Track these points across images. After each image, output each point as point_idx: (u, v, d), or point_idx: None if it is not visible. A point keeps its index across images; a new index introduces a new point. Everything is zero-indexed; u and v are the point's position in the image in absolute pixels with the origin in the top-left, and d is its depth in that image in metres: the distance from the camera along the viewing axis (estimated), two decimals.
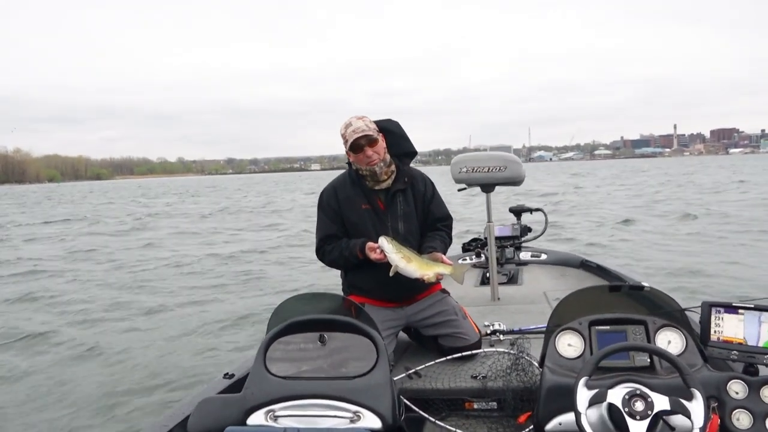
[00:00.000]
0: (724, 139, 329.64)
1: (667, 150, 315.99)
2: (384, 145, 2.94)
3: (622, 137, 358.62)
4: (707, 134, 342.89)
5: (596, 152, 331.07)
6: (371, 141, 2.87)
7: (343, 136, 2.90)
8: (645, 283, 3.22)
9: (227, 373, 2.76)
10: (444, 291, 3.14)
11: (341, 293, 3.17)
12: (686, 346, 2.13)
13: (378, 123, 2.98)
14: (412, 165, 3.16)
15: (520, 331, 3.21)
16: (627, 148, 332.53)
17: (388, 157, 2.97)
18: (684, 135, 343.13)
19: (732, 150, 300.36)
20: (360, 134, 2.84)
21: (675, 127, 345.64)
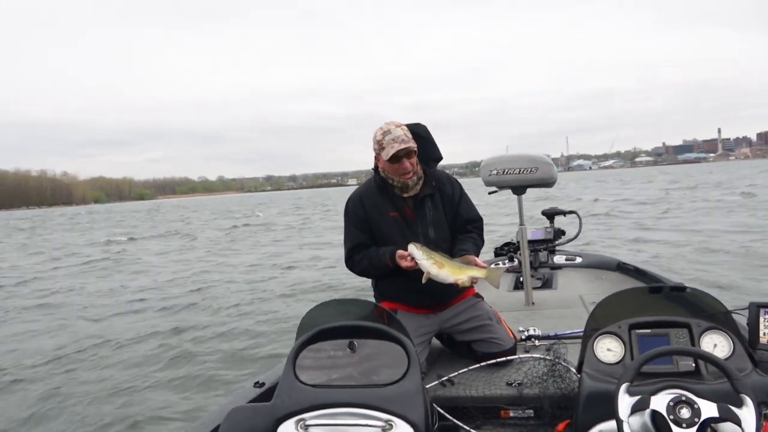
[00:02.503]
0: None
1: (712, 155, 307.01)
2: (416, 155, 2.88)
3: (663, 143, 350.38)
4: (754, 137, 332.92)
5: (637, 159, 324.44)
6: (410, 153, 2.81)
7: (380, 143, 2.82)
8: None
9: (257, 382, 2.75)
10: (477, 295, 3.07)
11: (373, 299, 3.14)
12: (734, 349, 2.02)
13: (408, 127, 2.91)
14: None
15: (556, 336, 3.12)
16: (669, 155, 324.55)
17: (419, 168, 2.92)
18: (729, 139, 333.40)
19: None
20: (402, 146, 2.76)
21: (719, 131, 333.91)
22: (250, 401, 2.54)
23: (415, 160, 2.86)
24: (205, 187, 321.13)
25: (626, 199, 30.48)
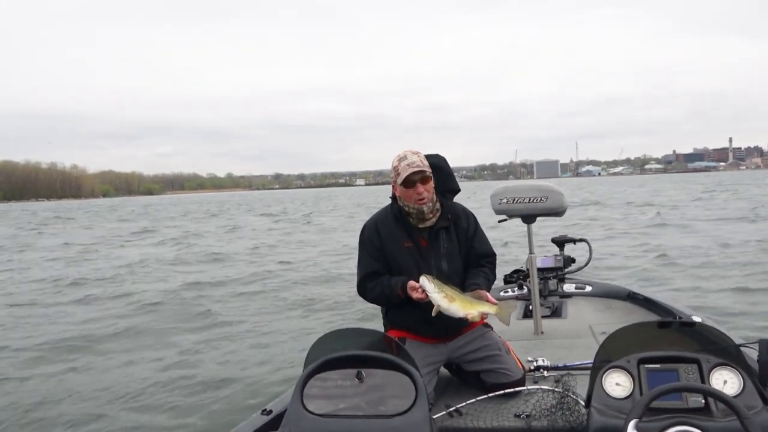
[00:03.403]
0: None
1: (722, 164, 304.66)
2: (433, 184, 2.90)
3: (674, 151, 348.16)
4: (765, 147, 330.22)
5: (647, 167, 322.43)
6: (424, 178, 2.83)
7: (395, 169, 2.86)
8: (697, 318, 3.08)
9: (265, 410, 2.76)
10: (486, 325, 3.07)
11: (382, 327, 3.15)
12: (744, 386, 2.01)
13: (426, 157, 2.94)
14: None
15: (566, 368, 3.11)
16: (679, 162, 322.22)
17: (435, 197, 2.93)
18: (740, 148, 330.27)
19: None
20: (415, 169, 2.80)
21: (730, 140, 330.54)
22: (258, 429, 2.56)
23: (430, 186, 2.88)
24: (213, 184, 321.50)
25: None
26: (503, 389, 2.83)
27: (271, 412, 2.73)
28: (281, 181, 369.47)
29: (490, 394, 2.81)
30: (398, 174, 2.84)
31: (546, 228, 9.33)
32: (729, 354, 2.14)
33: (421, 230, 2.95)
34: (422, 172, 2.82)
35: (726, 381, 2.03)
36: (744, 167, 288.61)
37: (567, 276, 5.08)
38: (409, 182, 2.82)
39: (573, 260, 5.08)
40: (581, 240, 5.09)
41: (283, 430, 2.02)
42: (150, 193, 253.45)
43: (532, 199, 3.85)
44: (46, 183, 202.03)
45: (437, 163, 3.03)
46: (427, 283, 2.68)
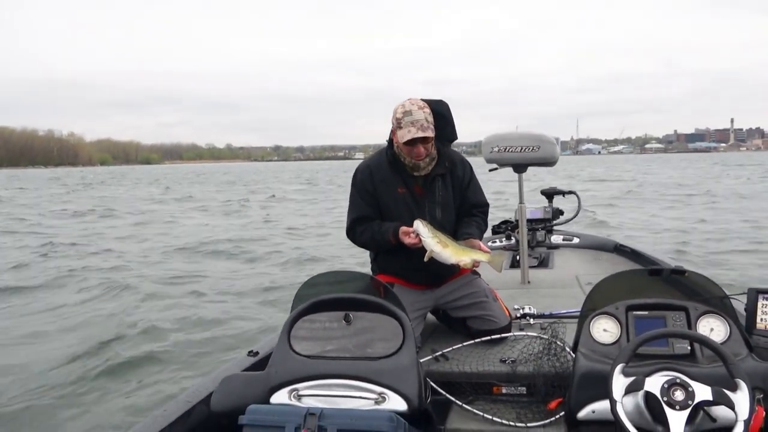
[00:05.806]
0: None
1: (723, 145, 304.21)
2: (433, 137, 2.79)
3: (675, 131, 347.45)
4: (767, 129, 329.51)
5: (647, 146, 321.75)
6: (426, 139, 2.74)
7: (399, 121, 2.74)
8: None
9: (251, 351, 2.76)
10: (475, 272, 3.04)
11: (370, 272, 3.11)
12: (730, 334, 2.01)
13: (429, 103, 2.82)
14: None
15: (552, 316, 3.10)
16: (680, 143, 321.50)
17: (434, 150, 2.84)
18: (741, 129, 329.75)
19: None
20: (420, 135, 2.68)
21: (732, 121, 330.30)
22: (244, 370, 2.55)
23: (430, 145, 2.79)
24: (212, 155, 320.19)
25: None
26: (489, 335, 2.81)
27: (257, 353, 2.72)
28: (280, 153, 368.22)
29: (477, 340, 2.80)
30: (400, 127, 2.73)
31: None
32: (717, 303, 2.14)
33: (416, 177, 2.87)
34: (426, 137, 2.71)
35: (713, 328, 2.04)
36: (744, 148, 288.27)
37: (555, 228, 5.11)
38: (411, 142, 2.72)
39: (561, 212, 5.12)
40: (571, 192, 5.11)
41: (269, 371, 2.01)
42: (148, 162, 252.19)
43: (524, 148, 3.79)
44: (43, 151, 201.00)
45: (440, 110, 2.92)
46: (421, 227, 2.63)
